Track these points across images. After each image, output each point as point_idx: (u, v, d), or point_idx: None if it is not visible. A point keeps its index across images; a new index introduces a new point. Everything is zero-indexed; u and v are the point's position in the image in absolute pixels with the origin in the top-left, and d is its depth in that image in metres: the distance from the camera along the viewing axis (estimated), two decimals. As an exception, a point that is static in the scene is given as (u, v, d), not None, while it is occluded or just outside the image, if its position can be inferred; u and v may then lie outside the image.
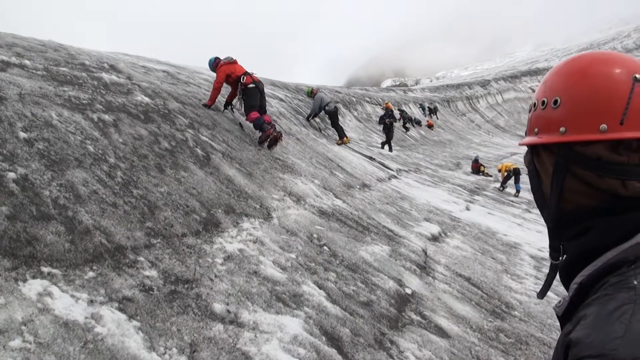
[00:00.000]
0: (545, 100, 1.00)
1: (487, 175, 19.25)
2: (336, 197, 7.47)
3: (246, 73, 8.61)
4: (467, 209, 10.80)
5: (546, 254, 8.17)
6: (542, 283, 5.26)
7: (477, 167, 19.49)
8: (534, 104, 1.04)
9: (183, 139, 6.13)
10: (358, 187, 9.03)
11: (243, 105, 8.59)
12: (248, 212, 5.09)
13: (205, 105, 8.42)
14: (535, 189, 1.09)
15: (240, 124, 8.89)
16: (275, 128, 8.29)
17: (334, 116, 14.66)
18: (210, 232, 4.25)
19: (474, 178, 17.60)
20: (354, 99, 29.27)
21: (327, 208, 6.59)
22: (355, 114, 26.50)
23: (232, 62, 8.74)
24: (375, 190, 9.38)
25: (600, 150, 0.91)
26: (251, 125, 8.50)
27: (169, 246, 3.68)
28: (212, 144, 6.65)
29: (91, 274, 2.95)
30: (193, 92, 8.92)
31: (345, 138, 14.40)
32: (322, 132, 14.60)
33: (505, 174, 15.86)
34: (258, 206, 5.41)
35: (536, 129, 1.02)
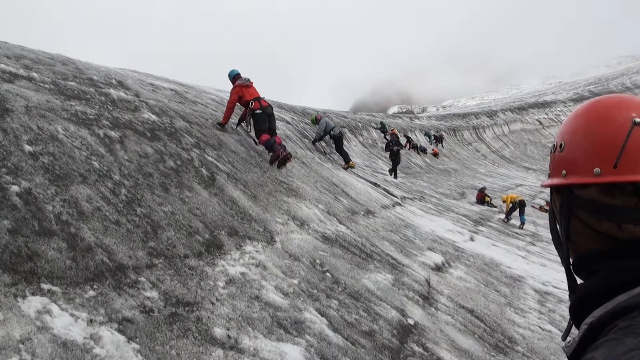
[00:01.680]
0: (555, 143, 1.04)
1: (492, 205, 19.20)
2: (340, 222, 7.45)
3: (256, 99, 8.86)
4: (471, 239, 10.74)
5: (550, 288, 8.09)
6: (546, 318, 5.16)
7: (482, 197, 19.45)
8: (554, 145, 1.07)
9: (189, 158, 6.15)
10: (362, 213, 9.01)
11: (253, 128, 8.87)
12: (251, 235, 5.07)
13: (219, 124, 8.70)
14: (552, 229, 1.11)
15: (254, 139, 9.13)
16: (285, 149, 8.53)
17: (338, 141, 14.75)
18: (212, 254, 4.23)
19: (478, 208, 17.55)
20: (359, 124, 29.43)
21: (331, 234, 6.57)
22: (361, 139, 26.61)
23: (246, 85, 9.00)
24: (379, 217, 9.36)
25: (594, 194, 0.93)
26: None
27: (171, 267, 3.66)
28: (218, 164, 6.67)
29: (91, 292, 2.93)
30: (200, 112, 8.99)
31: (350, 162, 14.44)
32: (328, 156, 14.64)
33: (510, 205, 15.82)
34: (261, 229, 5.39)
35: (549, 172, 1.06)
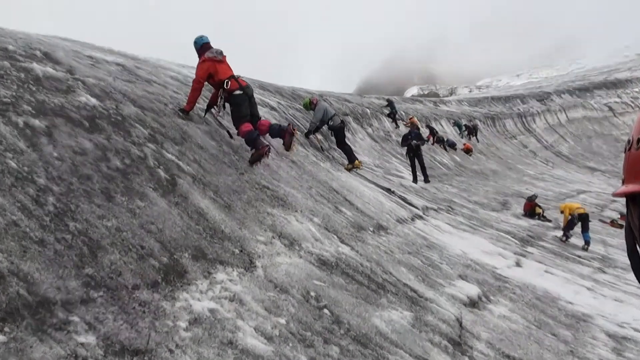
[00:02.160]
0: (632, 138, 0.98)
1: (545, 219, 19.22)
2: (342, 242, 7.42)
3: (232, 77, 8.82)
4: (518, 264, 10.73)
5: (629, 331, 8.07)
6: None
7: (531, 208, 19.48)
8: (629, 141, 1.02)
9: (141, 156, 6.11)
10: (371, 229, 8.98)
11: (231, 115, 8.85)
12: (224, 259, 5.04)
13: (182, 111, 8.64)
14: (629, 251, 1.06)
15: (228, 131, 9.18)
16: (281, 127, 9.04)
17: (340, 133, 14.73)
18: (172, 284, 4.19)
19: (526, 223, 17.58)
20: (368, 110, 29.49)
21: (330, 257, 6.53)
22: (370, 130, 26.66)
23: (218, 59, 8.88)
24: (394, 235, 9.33)
25: None
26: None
27: (115, 302, 3.61)
28: (180, 164, 6.64)
29: (1, 337, 2.88)
30: (156, 94, 8.96)
31: (356, 162, 14.43)
32: (326, 153, 14.64)
33: (570, 218, 15.83)
34: (237, 251, 5.36)
35: (623, 176, 1.01)
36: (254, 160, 8.31)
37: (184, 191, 5.95)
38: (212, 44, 9.18)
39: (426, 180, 19.63)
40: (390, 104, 33.90)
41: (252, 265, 5.24)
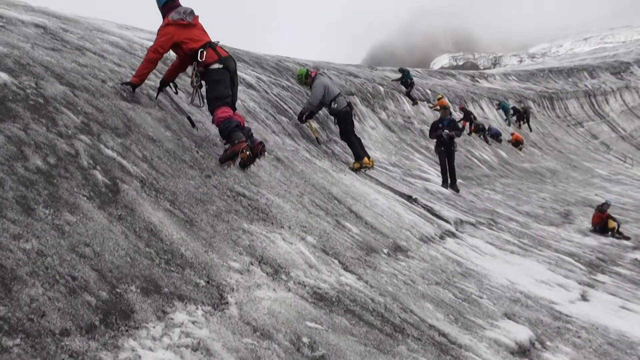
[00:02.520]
0: None
1: (622, 236, 19.27)
2: (346, 269, 7.45)
3: (209, 44, 8.79)
4: (584, 297, 10.77)
5: None
6: None
7: (602, 221, 19.52)
8: None
9: (70, 152, 6.13)
10: (386, 251, 9.01)
11: (203, 95, 8.93)
12: (184, 293, 5.05)
13: (126, 84, 8.72)
14: None
15: (189, 118, 9.17)
16: (251, 137, 8.64)
17: (345, 120, 14.75)
18: (114, 327, 4.20)
19: (596, 241, 17.62)
20: (381, 88, 29.59)
21: (329, 289, 6.55)
22: (384, 115, 26.75)
23: (187, 23, 8.81)
24: (416, 259, 9.36)
25: None
26: (215, 128, 8.84)
27: (38, 353, 3.63)
28: (124, 163, 6.65)
29: None
30: (91, 67, 8.98)
31: (365, 159, 14.45)
32: (324, 147, 14.67)
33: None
34: (203, 282, 5.37)
35: None
36: (227, 158, 8.31)
37: (129, 201, 5.96)
38: (182, 2, 9.13)
39: (453, 187, 19.53)
40: (404, 73, 34.13)
41: (222, 302, 5.25)
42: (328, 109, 14.82)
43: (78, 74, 8.32)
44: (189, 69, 9.50)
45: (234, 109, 8.91)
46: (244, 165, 8.65)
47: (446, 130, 19.67)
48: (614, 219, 19.61)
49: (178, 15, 8.76)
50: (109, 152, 6.67)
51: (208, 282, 5.43)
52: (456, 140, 20.26)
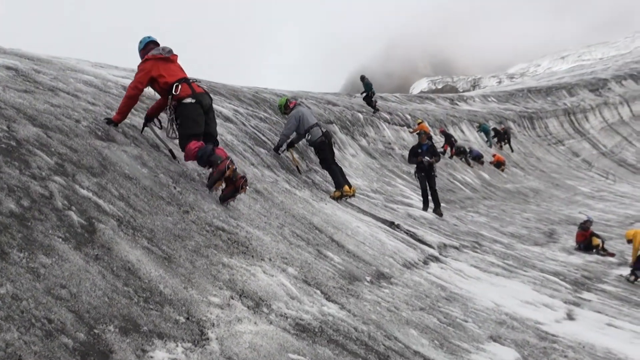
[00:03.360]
0: None
1: (606, 253, 19.33)
2: (328, 299, 7.45)
3: (184, 80, 9.00)
4: (570, 316, 10.80)
5: None
6: None
7: (586, 239, 19.58)
8: None
9: (44, 194, 6.12)
10: (369, 279, 9.02)
11: (174, 129, 9.17)
12: (164, 331, 5.04)
13: (108, 121, 8.94)
14: None
15: (171, 151, 9.37)
16: (232, 162, 8.67)
17: (323, 150, 14.78)
18: (92, 369, 4.18)
19: (581, 259, 17.68)
20: (360, 115, 29.68)
21: (312, 320, 6.55)
22: (364, 142, 26.83)
23: (164, 57, 9.10)
24: (400, 285, 9.37)
25: None
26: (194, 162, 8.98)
27: (14, 398, 3.61)
28: (100, 202, 6.65)
29: None
30: (65, 107, 8.99)
31: (346, 187, 14.47)
32: (304, 177, 14.69)
33: (640, 251, 15.90)
34: (183, 319, 5.36)
35: None
36: (215, 180, 8.47)
37: (106, 240, 5.95)
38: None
39: (437, 211, 19.61)
40: (364, 81, 34.37)
41: (203, 338, 5.24)
42: (306, 139, 14.88)
43: (51, 114, 8.33)
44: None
45: (215, 144, 9.03)
46: (225, 199, 8.74)
47: (426, 157, 19.72)
48: (598, 236, 19.69)
49: (157, 51, 9.06)
50: (84, 192, 6.67)
51: (188, 318, 5.42)
52: (437, 164, 20.36)
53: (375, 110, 33.73)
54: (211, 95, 9.53)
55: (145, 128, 9.80)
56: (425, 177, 19.91)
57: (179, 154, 9.79)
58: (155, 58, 8.98)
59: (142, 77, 8.88)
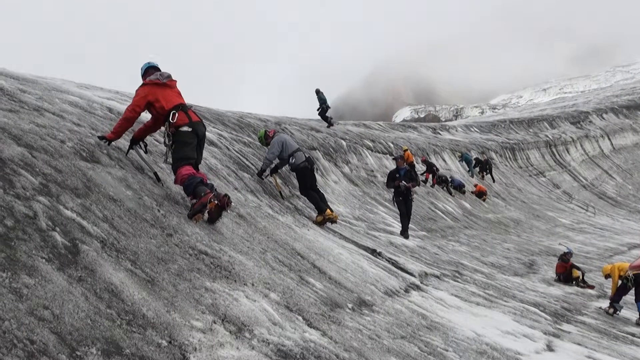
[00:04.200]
0: None
1: (586, 285, 19.41)
2: (310, 325, 7.44)
3: (181, 107, 9.26)
4: (549, 347, 10.81)
5: None
6: None
7: (566, 270, 19.66)
8: None
9: (28, 214, 6.10)
10: (350, 306, 9.01)
11: (170, 155, 9.28)
12: (146, 354, 5.02)
13: (102, 139, 9.22)
14: None
15: (156, 174, 9.47)
16: (215, 191, 8.89)
17: (304, 175, 14.82)
18: (73, 391, 4.16)
19: (560, 291, 17.74)
20: (343, 142, 29.75)
21: (294, 346, 6.54)
22: (346, 169, 26.88)
23: (161, 83, 9.37)
24: (381, 313, 9.37)
25: None
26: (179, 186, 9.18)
27: (-5, 419, 3.59)
28: (84, 224, 6.63)
29: None
30: (50, 127, 8.97)
31: (327, 211, 14.49)
32: (287, 202, 14.69)
33: (619, 283, 15.96)
34: (165, 342, 5.34)
35: None
36: (196, 212, 8.50)
37: (89, 261, 5.93)
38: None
39: (404, 233, 19.67)
40: (318, 95, 34.71)
41: (185, 362, 5.22)
42: (288, 165, 14.94)
43: (36, 134, 8.31)
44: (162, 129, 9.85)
45: (197, 170, 9.17)
46: (213, 220, 9.01)
47: (404, 182, 19.91)
48: (578, 268, 19.77)
49: (155, 76, 9.31)
50: (68, 213, 6.65)
51: (170, 342, 5.41)
52: (416, 189, 20.51)
53: (329, 125, 34.00)
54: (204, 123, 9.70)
55: (131, 150, 9.91)
56: (403, 202, 20.06)
57: (163, 176, 9.83)
58: (152, 83, 9.21)
59: (140, 101, 9.12)
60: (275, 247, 9.89)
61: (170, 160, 9.48)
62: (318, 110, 34.30)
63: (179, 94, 9.57)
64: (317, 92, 34.36)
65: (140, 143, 9.87)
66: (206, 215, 8.85)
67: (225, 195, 8.98)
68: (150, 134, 10.27)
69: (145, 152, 10.02)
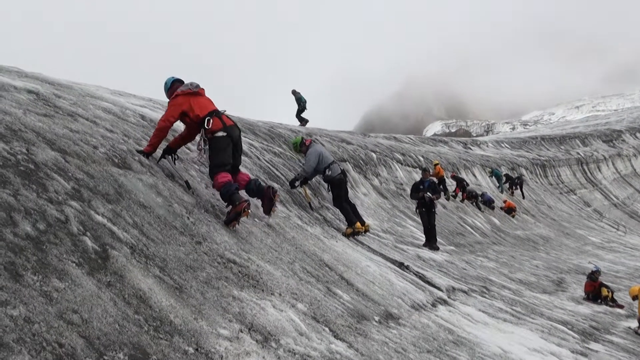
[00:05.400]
0: None
1: (615, 304, 19.21)
2: (336, 337, 7.41)
3: (214, 113, 9.49)
4: (578, 367, 10.71)
5: None
6: None
7: (594, 289, 19.47)
8: None
9: (60, 218, 6.14)
10: (377, 319, 8.98)
11: (207, 161, 9.57)
12: (172, 361, 5.02)
13: (141, 153, 9.39)
14: None
15: (187, 182, 9.61)
16: (260, 185, 9.75)
17: (339, 187, 14.85)
18: (99, 396, 4.16)
19: (589, 309, 17.56)
20: (374, 155, 29.72)
21: (319, 357, 6.52)
22: (376, 182, 26.84)
23: (194, 92, 9.59)
24: (408, 327, 9.32)
25: None
26: (216, 193, 9.59)
27: (22, 421, 3.60)
28: (114, 229, 6.66)
29: None
30: (83, 133, 9.04)
31: (358, 224, 14.50)
32: (315, 213, 14.68)
33: (646, 303, 15.82)
34: (192, 349, 5.34)
35: None
36: (231, 220, 8.82)
37: (119, 267, 5.95)
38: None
39: (432, 246, 20.01)
40: (296, 96, 34.95)
41: (211, 370, 5.21)
42: (322, 175, 14.98)
43: (70, 139, 8.37)
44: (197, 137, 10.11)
45: (237, 171, 9.72)
46: (268, 212, 9.94)
47: (428, 193, 20.20)
48: (607, 287, 19.57)
49: (185, 87, 9.51)
50: (99, 218, 6.68)
51: (197, 349, 5.41)
52: (442, 203, 20.68)
53: (302, 125, 34.09)
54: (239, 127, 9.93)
55: (163, 159, 10.03)
56: (426, 213, 20.23)
57: (194, 184, 9.88)
58: (184, 93, 9.39)
59: (174, 111, 9.33)
60: (303, 258, 9.88)
61: (203, 158, 9.78)
62: (298, 111, 34.58)
63: (211, 100, 9.76)
64: (294, 92, 34.67)
65: (172, 154, 10.06)
66: (236, 226, 9.10)
67: (269, 186, 9.60)
68: (185, 144, 10.52)
69: (175, 161, 10.17)
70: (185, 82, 9.77)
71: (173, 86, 9.92)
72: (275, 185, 14.52)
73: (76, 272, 5.40)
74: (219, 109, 9.70)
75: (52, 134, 8.18)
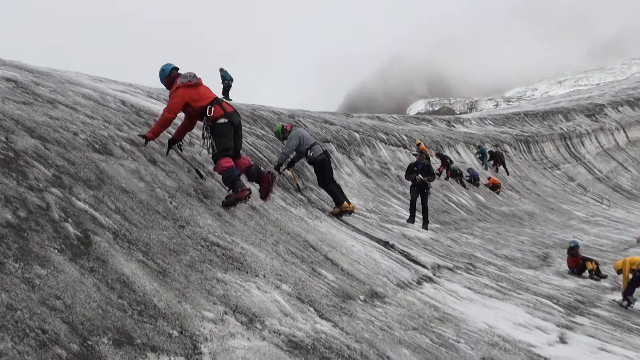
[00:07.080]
0: None
1: (599, 276, 19.31)
2: (321, 316, 7.44)
3: (216, 101, 9.87)
4: (562, 340, 10.77)
5: None
6: None
7: (578, 263, 19.56)
8: None
9: (41, 205, 6.13)
10: (362, 298, 9.01)
11: (210, 147, 9.93)
12: (157, 344, 5.03)
13: (142, 137, 9.81)
14: None
15: (197, 170, 10.10)
16: (260, 170, 10.21)
17: (322, 167, 14.88)
18: (84, 380, 4.18)
19: (574, 283, 17.67)
20: (357, 135, 29.70)
21: (305, 337, 6.54)
22: (360, 162, 26.84)
23: (193, 83, 9.89)
24: (393, 305, 9.36)
25: None
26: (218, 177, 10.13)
27: (7, 407, 3.61)
28: (96, 215, 6.66)
29: None
30: (63, 119, 9.01)
31: (345, 203, 14.53)
32: (299, 195, 14.69)
33: (631, 276, 15.88)
34: (176, 332, 5.36)
35: None
36: (230, 203, 9.29)
37: (101, 252, 5.96)
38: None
39: (424, 226, 20.20)
40: (222, 73, 35.65)
41: (196, 352, 5.23)
42: (305, 157, 15.00)
43: (49, 127, 8.35)
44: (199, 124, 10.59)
45: (239, 155, 10.13)
46: (265, 197, 10.40)
47: (420, 176, 20.28)
48: (590, 260, 19.64)
49: (185, 79, 9.80)
50: (80, 204, 6.68)
51: (181, 332, 5.42)
52: (432, 183, 20.79)
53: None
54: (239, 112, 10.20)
55: (170, 150, 10.49)
56: (418, 192, 20.36)
57: (173, 169, 9.92)
58: (185, 86, 9.67)
59: (178, 103, 9.62)
60: (287, 239, 9.90)
61: (210, 150, 10.01)
62: (223, 89, 35.02)
63: (209, 89, 10.10)
64: (221, 70, 35.32)
65: (181, 142, 10.57)
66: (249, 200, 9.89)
67: (269, 172, 9.99)
68: (187, 133, 10.86)
69: (181, 151, 10.56)
70: (183, 74, 10.02)
71: (171, 74, 10.20)
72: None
73: (58, 258, 5.41)
74: (219, 97, 10.02)
75: (31, 122, 8.16)
